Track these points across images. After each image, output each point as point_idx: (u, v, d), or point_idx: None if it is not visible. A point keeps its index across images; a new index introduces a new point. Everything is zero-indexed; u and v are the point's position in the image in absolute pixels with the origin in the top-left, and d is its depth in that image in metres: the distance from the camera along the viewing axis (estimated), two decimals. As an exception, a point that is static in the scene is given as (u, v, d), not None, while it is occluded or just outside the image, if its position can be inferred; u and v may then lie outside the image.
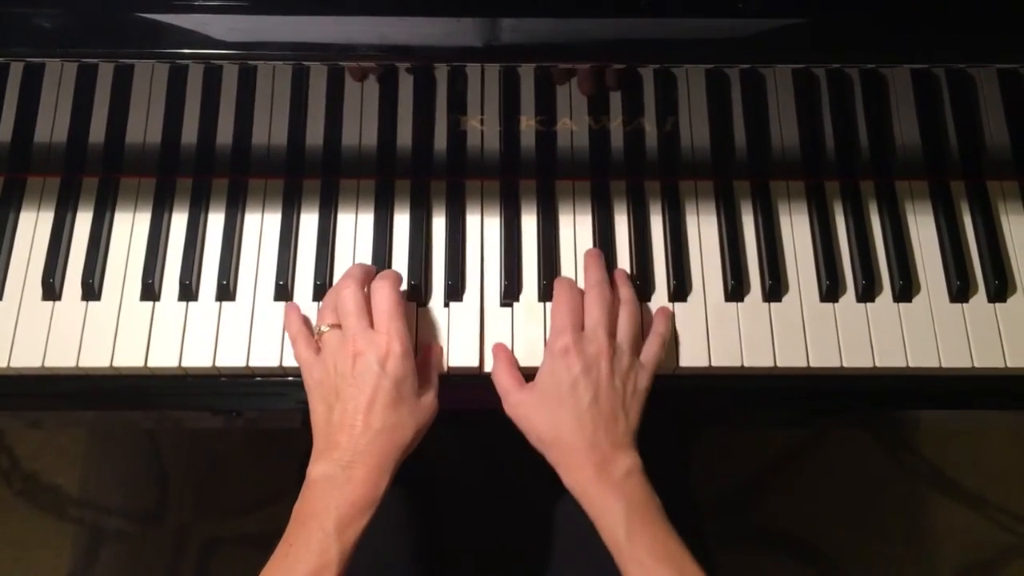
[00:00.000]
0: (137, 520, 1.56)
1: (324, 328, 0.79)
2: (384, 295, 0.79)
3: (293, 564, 0.71)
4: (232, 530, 1.52)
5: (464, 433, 1.13)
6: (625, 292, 0.84)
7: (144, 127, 0.89)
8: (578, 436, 0.76)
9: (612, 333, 0.80)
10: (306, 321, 0.84)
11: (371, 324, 0.78)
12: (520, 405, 0.80)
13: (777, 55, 0.73)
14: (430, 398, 0.79)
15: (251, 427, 1.38)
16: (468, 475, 1.19)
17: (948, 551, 1.56)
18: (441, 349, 0.85)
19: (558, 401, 0.77)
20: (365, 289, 0.81)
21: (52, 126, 0.89)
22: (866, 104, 0.89)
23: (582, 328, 0.80)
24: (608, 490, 0.74)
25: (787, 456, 1.60)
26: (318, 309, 0.84)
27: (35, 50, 0.71)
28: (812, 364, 0.85)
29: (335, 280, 0.87)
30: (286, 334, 0.83)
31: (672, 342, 0.86)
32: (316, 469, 0.75)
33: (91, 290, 0.86)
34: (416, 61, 0.76)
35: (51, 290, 0.86)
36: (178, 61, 0.79)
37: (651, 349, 0.82)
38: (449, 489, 1.18)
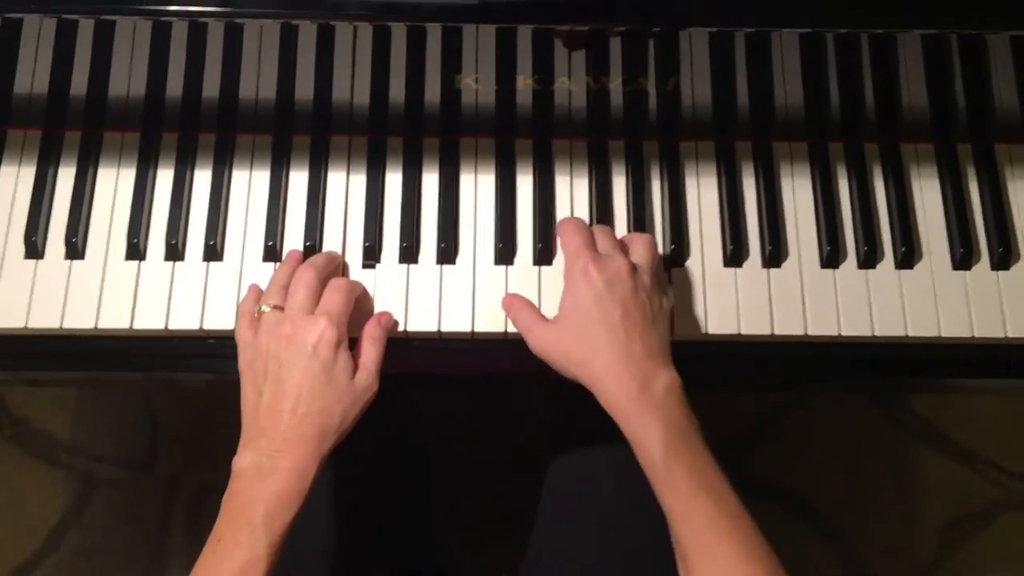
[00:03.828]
0: (128, 467, 1.56)
1: (265, 308, 0.77)
2: (338, 288, 0.77)
3: (221, 560, 0.69)
4: (223, 478, 1.52)
5: (458, 397, 1.13)
6: (637, 233, 0.83)
7: (127, 80, 0.86)
8: (613, 347, 0.73)
9: (627, 254, 0.78)
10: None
11: (314, 311, 0.76)
12: (546, 336, 0.77)
13: (784, 19, 0.70)
14: (367, 381, 0.76)
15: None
16: (461, 437, 1.19)
17: (938, 505, 1.57)
18: (395, 323, 0.82)
19: (587, 319, 0.74)
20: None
21: (32, 78, 0.86)
22: (873, 64, 0.87)
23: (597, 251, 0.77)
24: (647, 408, 0.71)
25: (779, 410, 1.60)
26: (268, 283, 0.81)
27: (10, 5, 0.67)
28: (810, 332, 0.84)
29: (324, 241, 0.85)
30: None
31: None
32: (242, 459, 0.73)
33: (75, 249, 0.84)
34: (410, 20, 0.73)
35: (33, 248, 0.84)
36: (162, 19, 0.76)
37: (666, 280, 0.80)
38: (442, 452, 1.18)
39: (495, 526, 1.18)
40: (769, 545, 0.69)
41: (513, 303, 0.81)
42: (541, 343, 0.77)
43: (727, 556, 0.68)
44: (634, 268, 0.76)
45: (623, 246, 0.79)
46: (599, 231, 0.80)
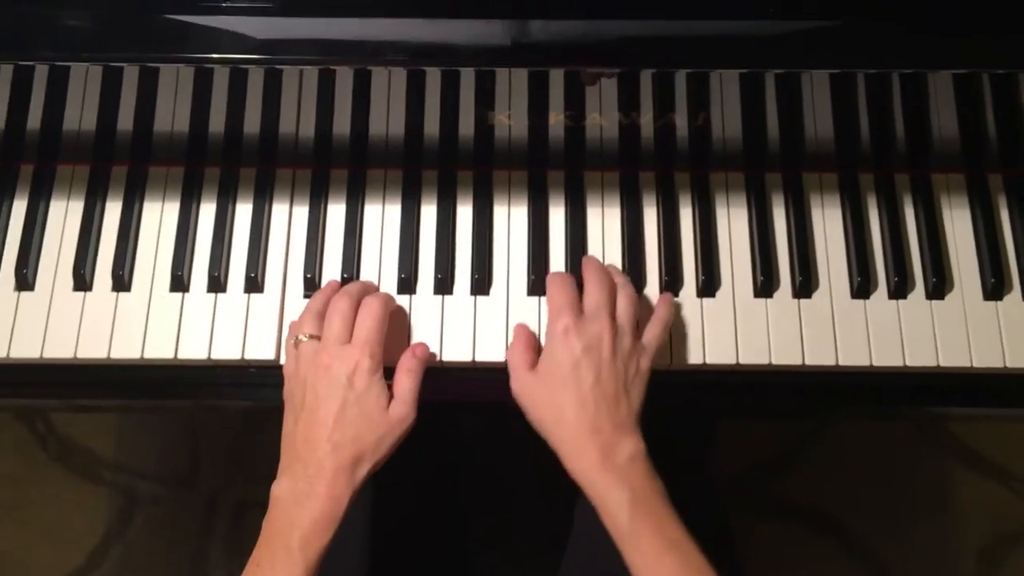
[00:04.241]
0: (170, 484, 1.59)
1: (303, 338, 0.79)
2: (370, 312, 0.79)
3: None
4: (263, 494, 1.54)
5: (493, 424, 1.14)
6: (620, 278, 0.84)
7: (172, 116, 0.89)
8: (581, 419, 0.75)
9: (612, 314, 0.79)
10: None
11: (350, 339, 0.78)
12: (524, 385, 0.79)
13: (811, 60, 0.71)
14: (403, 411, 0.77)
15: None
16: (496, 465, 1.21)
17: (973, 525, 1.56)
18: (431, 354, 0.84)
19: (560, 383, 0.76)
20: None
21: (80, 115, 0.89)
22: (903, 96, 0.87)
23: (581, 311, 0.79)
24: (611, 477, 0.73)
25: (811, 429, 1.59)
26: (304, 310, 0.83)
27: (59, 54, 0.70)
28: (841, 363, 0.85)
29: (361, 273, 0.87)
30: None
31: (700, 338, 0.85)
32: (280, 486, 0.75)
33: (121, 281, 0.87)
34: (444, 65, 0.75)
35: (82, 281, 0.87)
36: (205, 65, 0.78)
37: (653, 331, 0.81)
38: (476, 478, 1.19)
39: (528, 551, 1.20)
40: None
41: (517, 336, 0.83)
42: (518, 391, 0.79)
43: None
44: (616, 331, 0.78)
45: (613, 293, 0.81)
46: (592, 282, 0.81)
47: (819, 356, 0.85)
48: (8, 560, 1.56)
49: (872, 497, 1.56)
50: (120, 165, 0.91)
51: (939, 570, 1.54)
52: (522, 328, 0.84)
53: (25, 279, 0.86)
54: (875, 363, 0.85)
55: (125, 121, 0.89)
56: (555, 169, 0.90)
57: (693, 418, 1.03)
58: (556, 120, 0.86)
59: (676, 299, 0.86)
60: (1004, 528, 1.56)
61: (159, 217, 0.89)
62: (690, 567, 0.71)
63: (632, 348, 0.78)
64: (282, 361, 0.84)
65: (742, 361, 0.85)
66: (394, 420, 0.77)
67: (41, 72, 0.83)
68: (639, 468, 0.74)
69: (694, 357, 0.85)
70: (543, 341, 0.83)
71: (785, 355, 0.85)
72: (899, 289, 0.86)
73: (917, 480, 1.58)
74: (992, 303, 0.87)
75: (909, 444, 1.60)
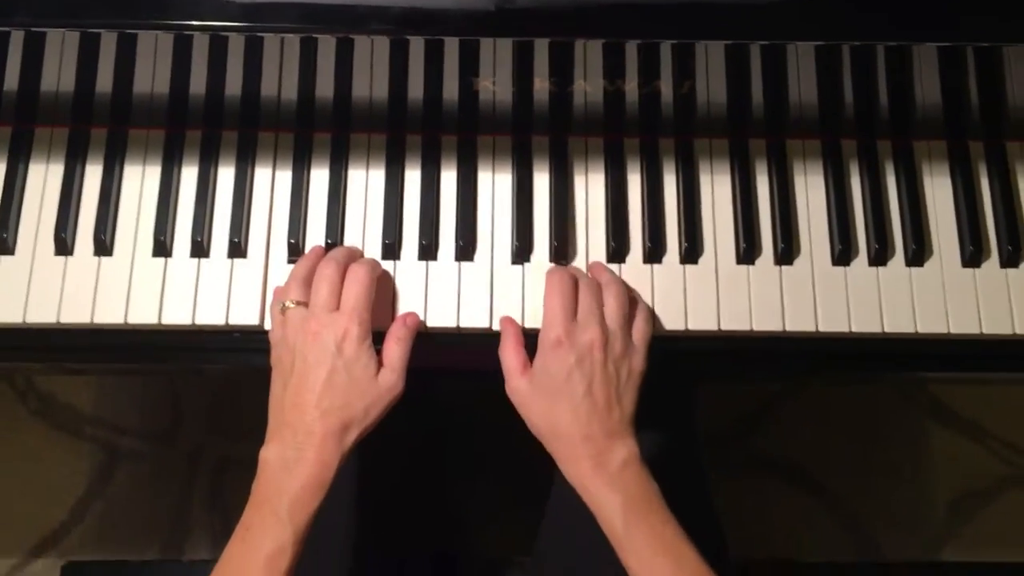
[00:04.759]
0: (151, 440, 1.59)
1: (289, 304, 0.79)
2: (357, 278, 0.79)
3: (250, 548, 0.73)
4: (244, 451, 1.55)
5: (479, 388, 1.15)
6: (606, 276, 0.84)
7: (151, 79, 0.88)
8: (574, 428, 0.76)
9: (603, 319, 0.80)
10: None
11: (338, 306, 0.78)
12: (518, 392, 0.80)
13: (797, 32, 0.71)
14: (391, 379, 0.78)
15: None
16: (479, 427, 1.22)
17: (945, 480, 1.60)
18: (420, 322, 0.84)
19: (553, 393, 0.77)
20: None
21: (58, 77, 0.88)
22: (887, 65, 0.87)
23: (574, 316, 0.80)
24: (605, 483, 0.75)
25: (788, 388, 1.62)
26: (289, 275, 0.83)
27: (37, 20, 0.69)
28: (821, 329, 0.86)
29: (345, 239, 0.87)
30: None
31: (682, 304, 0.86)
32: (268, 451, 0.76)
33: (103, 246, 0.86)
34: (428, 34, 0.74)
35: (63, 245, 0.86)
36: (184, 32, 0.77)
37: (639, 327, 0.82)
38: (461, 441, 1.21)
39: (512, 509, 1.22)
40: None
41: (505, 333, 0.83)
42: (514, 397, 0.80)
43: None
44: (607, 337, 0.78)
45: (599, 292, 0.81)
46: (583, 287, 0.81)
47: (799, 322, 0.86)
48: (-9, 514, 1.56)
49: (847, 453, 1.59)
50: (100, 127, 0.89)
51: (910, 523, 1.58)
52: (508, 322, 0.84)
53: (5, 243, 0.86)
54: (854, 329, 0.86)
55: (104, 83, 0.87)
56: (540, 135, 0.90)
57: (674, 380, 1.04)
58: (541, 86, 0.86)
59: (659, 266, 0.87)
60: (975, 484, 1.59)
61: (140, 181, 0.88)
62: (683, 569, 0.73)
63: (624, 351, 0.79)
64: (267, 327, 0.84)
65: (724, 327, 0.86)
66: (383, 388, 0.77)
67: (17, 36, 0.82)
68: (632, 473, 0.76)
69: (676, 323, 0.86)
70: (527, 313, 0.85)
71: (766, 321, 0.86)
72: (879, 256, 0.87)
73: (892, 436, 1.61)
74: (970, 270, 0.88)
75: (885, 401, 1.63)
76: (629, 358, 0.79)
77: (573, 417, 0.76)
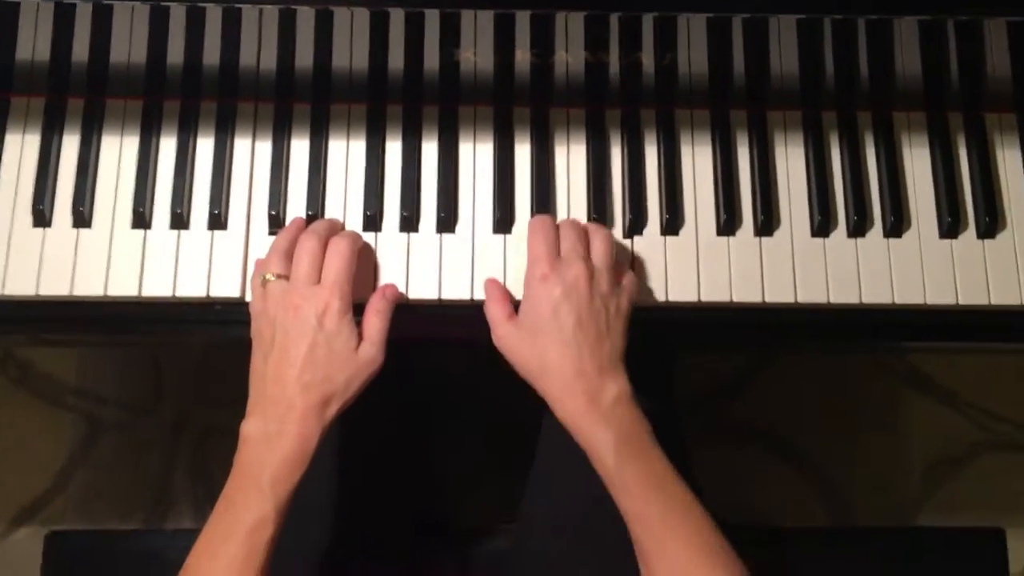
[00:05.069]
0: (133, 410, 1.59)
1: (270, 277, 0.79)
2: (339, 252, 0.79)
3: (232, 522, 0.73)
4: (226, 420, 1.55)
5: (460, 359, 1.16)
6: (593, 224, 0.84)
7: (128, 47, 0.87)
8: (565, 363, 0.76)
9: (588, 257, 0.80)
10: None
11: (319, 279, 0.78)
12: (506, 337, 0.80)
13: (779, 5, 0.71)
14: (371, 352, 0.78)
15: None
16: (461, 393, 1.23)
17: (921, 446, 1.62)
18: (400, 294, 0.84)
19: (542, 329, 0.78)
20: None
21: (34, 45, 0.87)
22: (868, 37, 0.88)
23: (559, 256, 0.80)
24: (597, 420, 0.75)
25: (764, 355, 1.63)
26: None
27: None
28: (800, 300, 0.86)
29: (326, 211, 0.87)
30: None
31: (662, 275, 0.86)
32: (249, 425, 0.76)
33: (82, 217, 0.86)
34: (407, 6, 0.74)
35: (41, 217, 0.85)
36: (161, 3, 0.76)
37: (628, 275, 0.83)
38: (443, 411, 1.21)
39: (496, 475, 1.23)
40: (722, 534, 0.73)
41: (489, 291, 0.83)
42: (501, 344, 0.80)
43: (681, 549, 0.72)
44: (592, 274, 0.78)
45: (585, 238, 0.81)
46: (565, 227, 0.82)
47: (779, 293, 0.87)
48: (-28, 483, 1.56)
49: (825, 420, 1.61)
50: (77, 98, 0.88)
51: (885, 489, 1.60)
52: (492, 282, 0.84)
53: (-18, 215, 0.85)
54: (832, 300, 0.87)
55: (80, 53, 0.87)
56: (521, 106, 0.89)
57: (654, 350, 1.04)
58: (523, 58, 0.85)
59: (639, 237, 0.87)
60: (950, 450, 1.62)
61: (119, 152, 0.88)
62: (675, 507, 0.73)
63: (611, 288, 0.79)
64: (248, 299, 0.84)
65: (704, 298, 0.86)
66: (363, 361, 0.78)
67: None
68: (624, 410, 0.76)
69: (657, 295, 0.86)
70: (509, 284, 0.85)
71: (746, 292, 0.87)
72: (858, 228, 0.88)
73: (869, 404, 1.63)
74: (947, 241, 0.89)
75: (862, 369, 1.65)
76: (616, 296, 0.79)
77: (563, 351, 0.76)
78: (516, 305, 0.82)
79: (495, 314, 0.81)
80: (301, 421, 0.75)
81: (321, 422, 0.76)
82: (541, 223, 0.82)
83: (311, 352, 0.76)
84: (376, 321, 0.80)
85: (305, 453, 0.75)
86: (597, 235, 0.82)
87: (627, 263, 0.85)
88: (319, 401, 0.76)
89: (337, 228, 0.85)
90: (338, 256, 0.79)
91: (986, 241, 0.89)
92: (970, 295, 0.87)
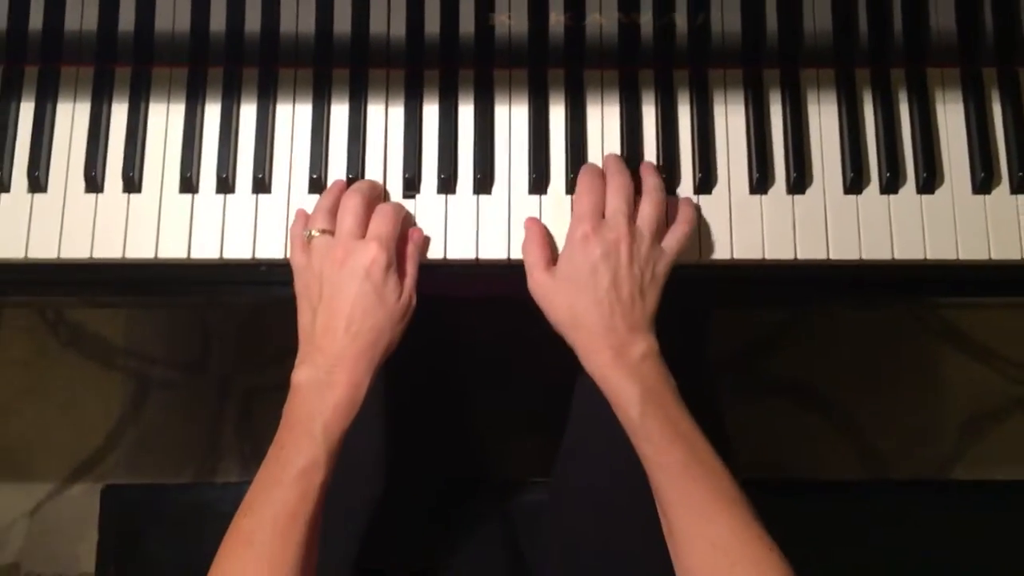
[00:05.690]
0: (181, 369, 1.64)
1: (315, 232, 0.82)
2: (384, 212, 0.82)
3: (284, 465, 0.76)
4: (272, 378, 1.61)
5: (491, 314, 1.18)
6: (651, 181, 0.85)
7: (172, 15, 0.90)
8: (596, 319, 0.79)
9: (632, 219, 0.82)
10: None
11: (363, 236, 0.81)
12: (541, 286, 0.82)
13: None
14: (407, 297, 0.81)
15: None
16: (497, 352, 1.25)
17: (956, 401, 1.63)
18: (426, 238, 0.87)
19: (577, 285, 0.80)
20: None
21: (82, 14, 0.89)
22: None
23: (603, 216, 0.82)
24: (624, 373, 0.78)
25: (799, 311, 1.64)
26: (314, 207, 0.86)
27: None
28: (832, 256, 0.88)
29: (366, 173, 0.89)
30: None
31: (696, 234, 0.88)
32: (300, 374, 0.79)
33: (132, 183, 0.88)
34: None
35: (93, 183, 0.88)
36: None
37: (674, 236, 0.84)
38: (478, 368, 1.24)
39: (531, 432, 1.26)
40: (739, 486, 0.75)
41: (530, 232, 0.85)
42: (536, 291, 0.82)
43: (701, 498, 0.74)
44: (634, 238, 0.80)
45: (633, 197, 0.82)
46: (614, 184, 0.83)
47: (811, 250, 0.88)
48: (30, 441, 1.62)
49: (858, 375, 1.62)
50: (124, 66, 0.91)
51: (921, 443, 1.61)
52: (533, 222, 0.86)
53: (37, 181, 0.88)
54: (864, 257, 0.87)
55: (126, 23, 0.89)
56: (555, 68, 0.91)
57: (687, 308, 1.06)
58: (556, 20, 0.87)
59: (672, 196, 0.89)
60: (984, 405, 1.62)
61: (165, 118, 0.90)
62: (696, 457, 0.76)
63: (649, 253, 0.81)
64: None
65: (736, 256, 0.88)
66: (405, 307, 0.81)
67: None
68: (651, 365, 0.78)
69: (690, 254, 0.87)
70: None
71: (778, 250, 0.88)
72: (891, 184, 0.89)
73: (903, 358, 1.64)
74: (980, 197, 0.89)
75: (896, 324, 1.65)
76: (655, 261, 0.81)
77: (596, 307, 0.79)
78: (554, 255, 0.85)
79: (533, 257, 0.83)
80: (352, 368, 0.78)
81: (370, 369, 0.79)
82: (590, 177, 0.84)
83: (359, 302, 0.79)
84: (410, 267, 0.83)
85: (355, 399, 0.78)
86: (648, 198, 0.83)
87: (686, 213, 0.86)
88: (368, 348, 0.79)
89: (378, 190, 0.87)
90: (383, 216, 0.82)
91: (1019, 196, 0.89)
92: (1003, 250, 0.88)
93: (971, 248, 0.88)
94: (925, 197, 0.89)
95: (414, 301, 0.82)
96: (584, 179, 0.84)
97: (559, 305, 0.81)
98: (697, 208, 0.88)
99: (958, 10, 0.90)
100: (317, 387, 0.78)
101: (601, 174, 0.85)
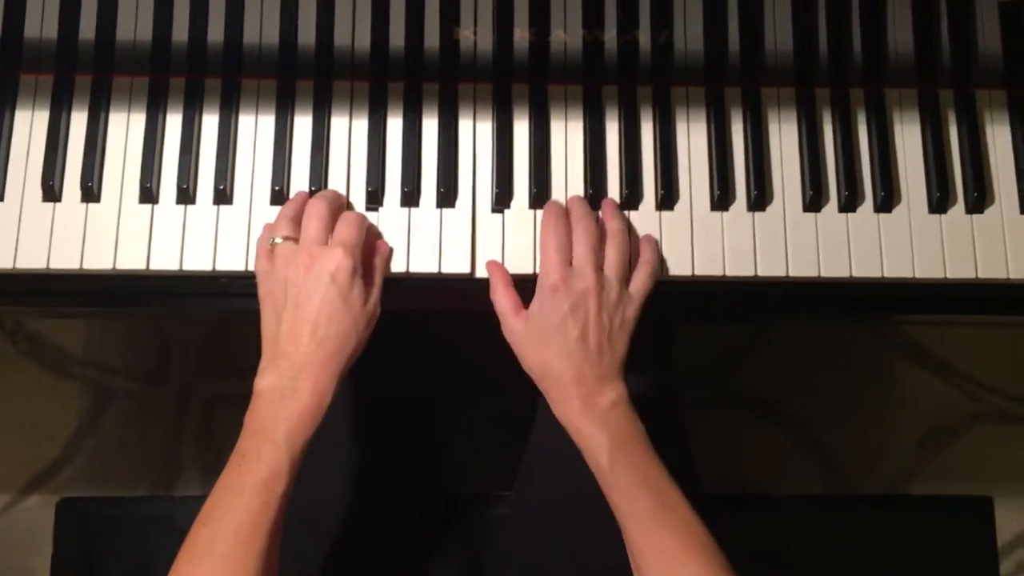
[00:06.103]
0: (140, 380, 1.62)
1: (278, 240, 0.82)
2: (349, 219, 0.82)
3: (245, 475, 0.75)
4: (232, 389, 1.59)
5: (459, 326, 1.19)
6: (613, 224, 0.86)
7: (134, 23, 0.89)
8: (565, 369, 0.80)
9: (599, 266, 0.82)
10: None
11: (327, 242, 0.81)
12: (514, 333, 0.83)
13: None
14: (373, 304, 0.81)
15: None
16: (464, 363, 1.25)
17: (915, 416, 1.64)
18: (391, 249, 0.87)
19: (547, 337, 0.81)
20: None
21: (41, 22, 0.88)
22: (861, 10, 0.89)
23: (570, 258, 0.83)
24: (593, 422, 0.79)
25: (762, 325, 1.65)
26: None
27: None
28: (791, 274, 0.88)
29: (329, 185, 0.89)
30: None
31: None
32: (264, 381, 0.78)
33: (90, 192, 0.88)
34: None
35: (51, 192, 0.87)
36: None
37: (639, 279, 0.84)
38: (446, 377, 1.23)
39: (495, 444, 1.25)
40: (709, 531, 0.76)
41: (494, 277, 0.86)
42: (509, 337, 0.84)
43: (670, 545, 0.75)
44: (602, 286, 0.81)
45: (599, 242, 0.83)
46: (579, 228, 0.83)
47: (771, 267, 0.89)
48: (-16, 451, 1.59)
49: (820, 390, 1.64)
50: (84, 75, 0.90)
51: (878, 458, 1.63)
52: (495, 266, 0.86)
53: (-6, 190, 0.87)
54: (823, 274, 0.88)
55: (87, 30, 0.88)
56: (520, 82, 0.91)
57: (651, 323, 1.07)
58: (521, 36, 0.87)
59: (635, 212, 0.89)
60: (943, 420, 1.64)
61: (125, 128, 0.90)
62: (665, 504, 0.76)
63: (618, 300, 0.82)
64: (251, 268, 0.86)
65: (698, 273, 0.88)
66: (370, 314, 0.81)
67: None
68: (620, 413, 0.79)
69: (652, 268, 0.88)
70: (508, 258, 0.87)
71: (738, 267, 0.88)
72: (849, 203, 0.90)
73: (864, 374, 1.66)
74: (936, 216, 0.90)
75: (858, 340, 1.67)
76: (623, 307, 0.82)
77: (566, 359, 0.80)
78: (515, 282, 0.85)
79: (503, 307, 0.84)
80: (317, 376, 0.77)
81: (336, 376, 0.78)
82: (555, 218, 0.84)
83: (324, 308, 0.78)
84: (376, 276, 0.83)
85: (320, 407, 0.77)
86: (613, 243, 0.84)
87: (648, 253, 0.86)
88: (334, 355, 0.78)
89: (343, 199, 0.87)
90: (348, 223, 0.82)
91: (974, 216, 0.90)
92: (958, 269, 0.89)
93: (927, 267, 0.89)
94: (882, 216, 0.90)
95: (379, 310, 0.82)
96: (549, 221, 0.85)
97: (529, 353, 0.82)
98: (659, 225, 0.88)
99: (915, 32, 0.91)
100: (281, 394, 0.77)
101: (565, 213, 0.86)
